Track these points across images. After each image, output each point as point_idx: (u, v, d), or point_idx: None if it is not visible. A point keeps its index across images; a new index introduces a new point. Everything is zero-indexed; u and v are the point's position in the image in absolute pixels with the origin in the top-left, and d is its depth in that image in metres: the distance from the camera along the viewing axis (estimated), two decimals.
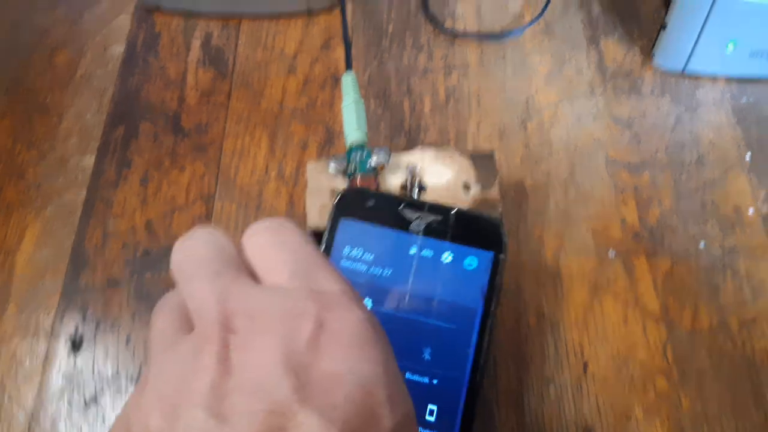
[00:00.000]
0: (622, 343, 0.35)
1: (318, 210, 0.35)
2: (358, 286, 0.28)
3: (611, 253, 0.38)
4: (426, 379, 0.30)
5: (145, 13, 0.50)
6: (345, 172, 0.35)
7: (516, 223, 0.39)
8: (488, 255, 0.31)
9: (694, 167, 0.41)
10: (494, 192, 0.35)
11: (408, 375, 0.30)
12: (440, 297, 0.31)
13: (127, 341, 0.36)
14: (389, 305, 0.31)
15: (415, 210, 0.32)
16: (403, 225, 0.32)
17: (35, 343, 0.36)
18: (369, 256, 0.31)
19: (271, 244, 0.22)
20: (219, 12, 0.49)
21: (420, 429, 0.29)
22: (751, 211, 0.39)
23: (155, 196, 0.41)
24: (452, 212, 0.32)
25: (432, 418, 0.29)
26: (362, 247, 0.31)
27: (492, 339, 0.32)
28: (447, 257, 0.31)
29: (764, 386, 0.34)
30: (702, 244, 0.38)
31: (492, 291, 0.31)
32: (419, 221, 0.32)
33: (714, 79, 0.45)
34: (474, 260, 0.31)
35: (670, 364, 0.34)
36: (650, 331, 0.35)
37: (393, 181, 0.35)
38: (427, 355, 0.30)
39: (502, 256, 0.31)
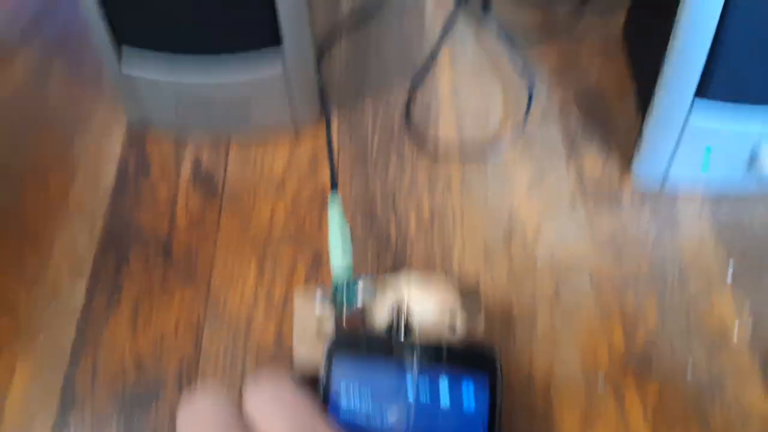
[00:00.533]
0: None
1: (305, 350, 0.35)
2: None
3: (600, 377, 0.38)
4: None
5: (136, 137, 0.51)
6: (332, 311, 0.36)
7: (504, 348, 0.40)
8: (484, 383, 0.31)
9: (677, 284, 0.42)
10: (479, 329, 0.36)
11: None
12: None
13: None
14: None
15: (407, 350, 0.32)
16: (397, 365, 0.32)
17: None
18: (367, 400, 0.31)
19: (270, 401, 0.25)
20: (207, 127, 0.50)
21: None
22: (736, 328, 0.40)
23: (144, 329, 0.41)
24: (444, 348, 0.32)
25: None
26: (359, 391, 0.31)
27: None
28: (444, 392, 0.31)
29: None
30: (689, 367, 0.38)
31: (493, 417, 0.31)
32: (412, 360, 0.32)
33: (692, 195, 0.46)
34: (470, 389, 0.31)
35: None
36: None
37: (379, 314, 0.36)
38: None
39: (498, 381, 0.31)
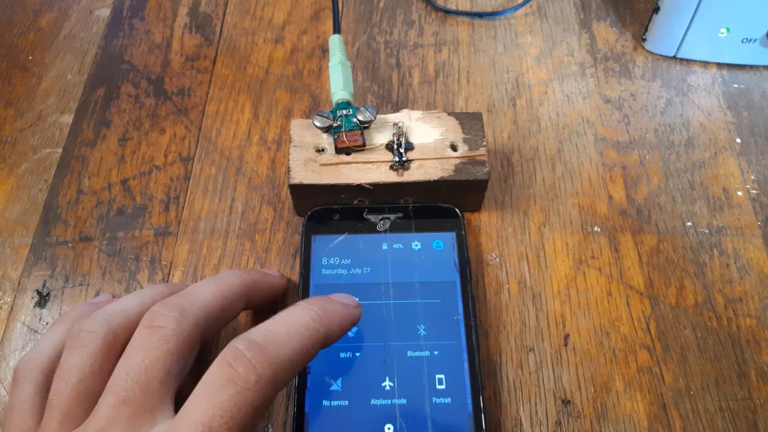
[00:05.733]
0: (605, 316, 0.34)
1: (302, 165, 0.34)
2: (343, 289, 0.32)
3: (597, 227, 0.37)
4: (427, 353, 0.31)
5: None
6: (330, 129, 0.34)
7: (502, 196, 0.39)
8: (451, 235, 0.35)
9: (683, 149, 0.41)
10: (481, 152, 0.34)
11: (410, 353, 0.31)
12: (420, 279, 0.33)
13: (96, 297, 0.35)
14: (376, 297, 0.33)
15: (377, 213, 0.35)
16: (371, 228, 0.35)
17: (1, 295, 0.35)
18: (346, 261, 0.34)
19: None
20: None
21: (434, 399, 0.30)
22: (740, 193, 0.39)
23: (133, 156, 0.40)
24: (410, 207, 0.35)
25: (443, 386, 0.30)
26: (338, 255, 0.34)
27: (475, 304, 0.32)
28: (416, 246, 0.34)
29: (748, 363, 0.33)
30: (689, 223, 0.38)
31: (464, 263, 0.34)
32: (384, 222, 0.35)
33: (705, 64, 0.45)
34: (440, 243, 0.34)
35: (653, 338, 0.34)
36: (634, 305, 0.35)
37: (379, 140, 0.34)
38: (422, 332, 0.32)
39: (462, 233, 0.34)
